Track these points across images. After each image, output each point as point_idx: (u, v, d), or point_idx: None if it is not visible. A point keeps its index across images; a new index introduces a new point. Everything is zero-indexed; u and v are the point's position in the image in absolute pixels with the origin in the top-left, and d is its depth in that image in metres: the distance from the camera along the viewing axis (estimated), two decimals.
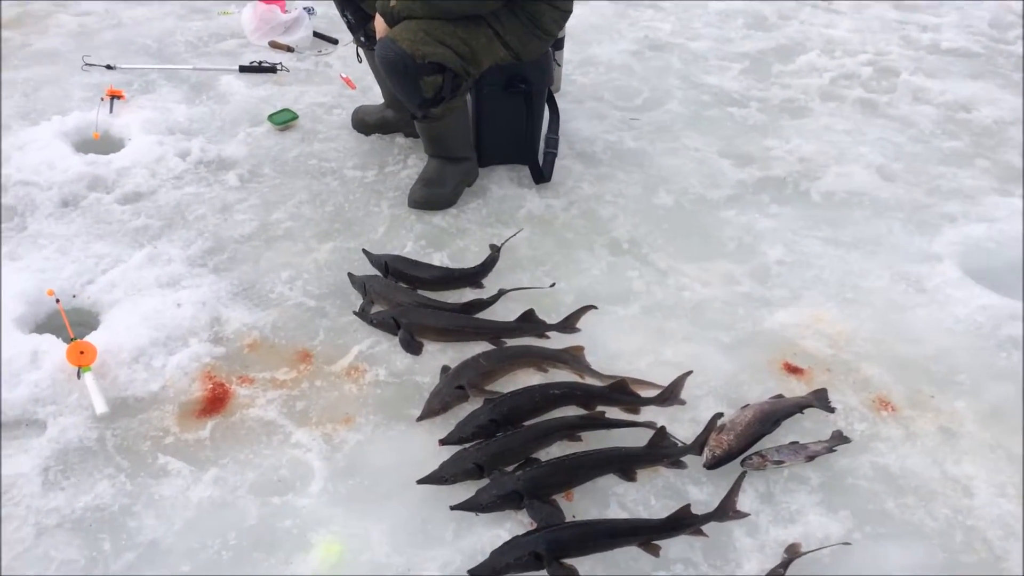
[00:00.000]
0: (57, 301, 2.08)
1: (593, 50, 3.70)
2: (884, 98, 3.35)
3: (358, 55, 2.90)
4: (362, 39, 2.78)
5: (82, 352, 1.90)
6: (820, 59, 3.64)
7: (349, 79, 3.38)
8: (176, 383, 1.95)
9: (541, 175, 2.75)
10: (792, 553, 1.59)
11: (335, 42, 3.69)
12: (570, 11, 2.59)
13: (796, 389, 1.97)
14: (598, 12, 4.09)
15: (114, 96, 3.05)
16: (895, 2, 4.27)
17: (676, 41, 3.82)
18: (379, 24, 2.44)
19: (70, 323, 2.01)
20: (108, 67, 3.33)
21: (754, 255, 2.45)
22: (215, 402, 1.92)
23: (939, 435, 1.87)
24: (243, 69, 3.39)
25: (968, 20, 4.07)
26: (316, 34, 3.69)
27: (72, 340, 1.93)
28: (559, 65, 2.80)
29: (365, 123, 3.02)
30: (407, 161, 2.87)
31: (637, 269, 2.38)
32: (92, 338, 1.99)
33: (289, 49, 3.59)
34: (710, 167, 2.88)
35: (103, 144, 2.87)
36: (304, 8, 3.70)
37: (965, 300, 2.25)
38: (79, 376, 1.89)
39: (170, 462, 1.77)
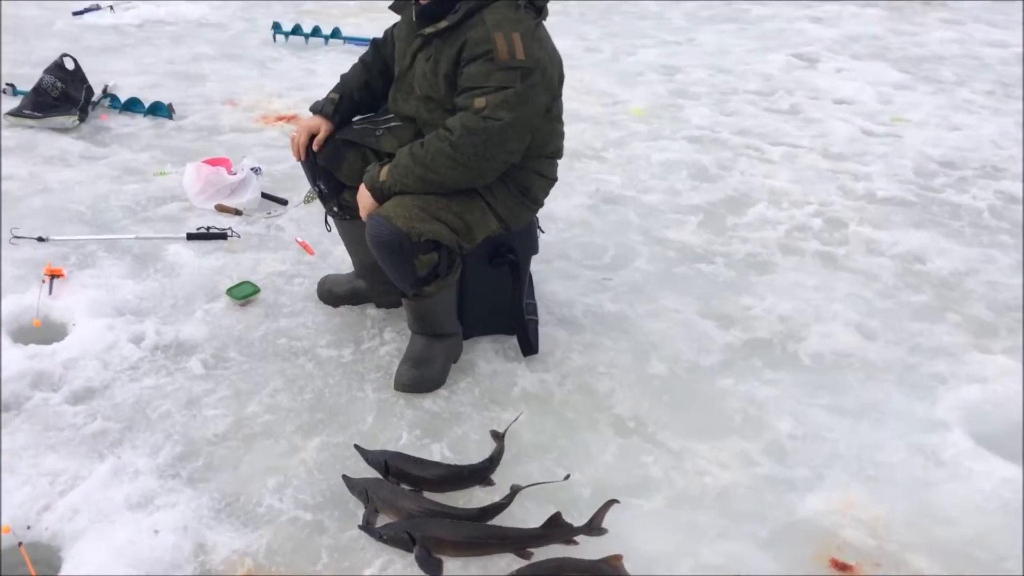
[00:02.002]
0: (20, 544, 1.77)
1: (550, 205, 3.65)
2: (840, 250, 3.42)
3: (327, 223, 2.75)
4: (335, 209, 2.65)
5: None
6: (770, 211, 3.71)
7: (306, 244, 3.22)
8: None
9: (530, 347, 2.63)
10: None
11: (284, 203, 3.54)
12: (556, 179, 2.54)
13: None
14: None
15: (53, 275, 2.78)
16: (824, 152, 4.46)
17: (628, 194, 3.85)
18: (364, 197, 2.31)
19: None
20: (39, 239, 3.06)
21: (764, 429, 2.37)
22: None
23: None
24: (191, 236, 3.18)
25: (894, 169, 4.27)
26: (264, 195, 3.53)
27: None
28: (543, 231, 2.73)
29: (333, 294, 2.85)
30: (383, 335, 2.71)
31: (650, 453, 2.26)
32: None
33: (237, 212, 3.41)
34: (695, 330, 2.83)
35: (45, 331, 2.59)
36: (252, 168, 3.55)
37: (986, 473, 2.21)
38: None
39: None
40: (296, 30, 5.83)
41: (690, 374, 2.62)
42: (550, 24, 2.35)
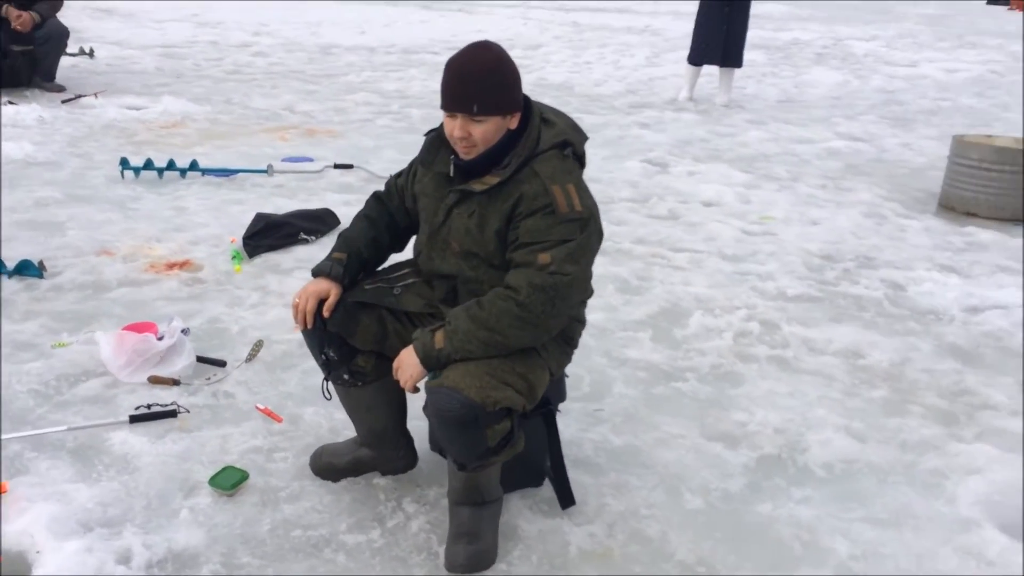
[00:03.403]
0: None
1: None
2: (788, 353, 3.57)
3: (325, 392, 2.49)
4: (345, 376, 2.41)
5: None
6: (707, 319, 3.82)
7: (269, 411, 2.90)
8: None
9: (570, 498, 2.49)
10: None
11: (222, 364, 3.19)
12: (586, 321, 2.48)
13: None
14: None
15: None
16: (720, 255, 4.69)
17: None
18: (411, 367, 2.12)
19: None
20: None
21: (825, 554, 2.37)
22: None
23: None
24: (135, 419, 2.77)
25: (787, 267, 4.56)
26: (200, 358, 3.16)
27: None
28: (567, 376, 2.62)
29: (334, 468, 2.57)
30: (404, 508, 2.47)
31: None
32: None
33: (175, 383, 3.02)
34: (707, 454, 2.81)
35: (7, 568, 2.12)
36: (181, 330, 3.17)
37: None
38: None
39: None
40: (148, 165, 5.39)
41: (727, 503, 2.58)
42: None
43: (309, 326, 2.32)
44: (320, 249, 4.42)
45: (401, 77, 10.14)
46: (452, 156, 2.20)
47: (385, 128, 7.50)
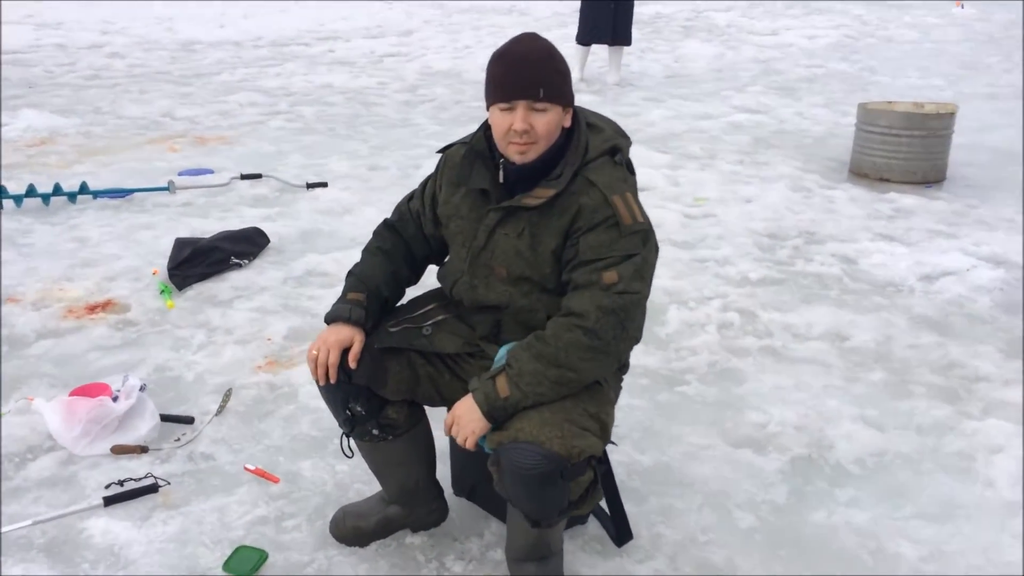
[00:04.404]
0: None
1: None
2: (777, 343, 3.50)
3: (347, 449, 2.19)
4: (375, 431, 2.12)
5: None
6: (683, 313, 3.71)
7: (262, 471, 2.57)
8: None
9: (628, 532, 2.30)
10: None
11: (190, 421, 2.81)
12: None
13: None
14: None
15: None
16: (672, 243, 4.59)
17: None
18: (473, 421, 1.86)
19: None
20: None
21: (895, 560, 2.30)
22: None
23: None
24: (111, 500, 2.39)
25: (741, 249, 4.51)
26: (165, 417, 2.77)
27: None
28: None
29: (361, 532, 2.28)
30: (450, 568, 2.24)
31: None
32: None
33: (143, 450, 2.63)
34: (740, 464, 2.69)
35: None
36: (140, 388, 2.76)
37: None
38: None
39: None
40: (31, 192, 4.78)
41: (779, 517, 2.47)
42: None
43: (333, 380, 2.02)
44: (256, 273, 4.05)
45: (280, 73, 9.59)
46: (502, 161, 1.93)
47: (280, 130, 7.03)
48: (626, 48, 9.46)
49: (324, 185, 5.36)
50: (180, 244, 4.08)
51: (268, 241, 4.31)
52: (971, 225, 4.94)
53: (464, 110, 7.99)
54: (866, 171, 6.00)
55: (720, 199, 5.36)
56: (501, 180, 1.95)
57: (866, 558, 2.31)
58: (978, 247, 4.53)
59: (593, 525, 2.39)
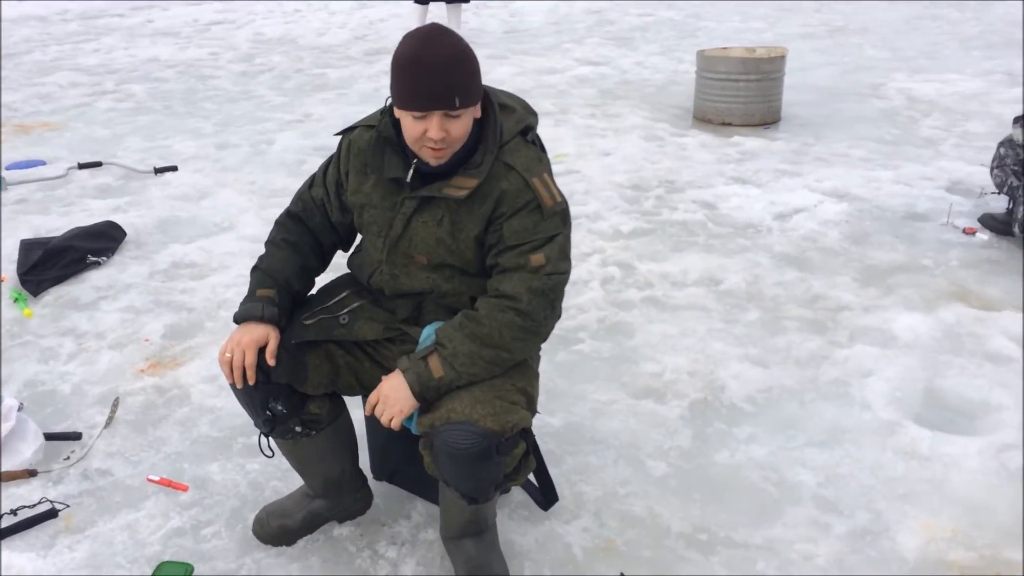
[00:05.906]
0: None
1: None
2: (657, 292, 3.64)
3: (266, 448, 2.13)
4: (297, 429, 2.06)
5: None
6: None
7: (167, 480, 2.45)
8: None
9: (555, 494, 2.34)
10: None
11: (78, 436, 2.64)
12: None
13: None
14: None
15: None
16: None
17: None
18: (400, 401, 1.84)
19: None
20: None
21: (799, 489, 2.47)
22: None
23: None
24: (6, 532, 2.22)
25: (608, 204, 4.63)
26: (49, 435, 2.58)
27: None
28: None
29: (288, 529, 2.23)
30: (385, 555, 2.23)
31: (752, 557, 2.21)
32: None
33: (31, 474, 2.45)
34: (644, 414, 2.80)
35: None
36: (17, 408, 2.55)
37: (961, 455, 2.58)
38: None
39: None
40: None
41: (688, 461, 2.60)
42: None
43: (252, 381, 1.94)
44: (117, 270, 3.81)
45: (97, 48, 8.93)
46: (415, 161, 1.89)
47: (111, 112, 6.57)
48: (464, 4, 9.40)
49: (174, 169, 5.07)
50: (27, 246, 3.77)
51: (125, 234, 4.05)
52: (811, 163, 5.28)
53: (307, 79, 7.72)
54: (709, 116, 6.27)
55: (580, 154, 5.47)
56: (408, 179, 1.91)
57: (771, 489, 2.47)
58: (820, 183, 4.85)
59: (517, 492, 2.43)
